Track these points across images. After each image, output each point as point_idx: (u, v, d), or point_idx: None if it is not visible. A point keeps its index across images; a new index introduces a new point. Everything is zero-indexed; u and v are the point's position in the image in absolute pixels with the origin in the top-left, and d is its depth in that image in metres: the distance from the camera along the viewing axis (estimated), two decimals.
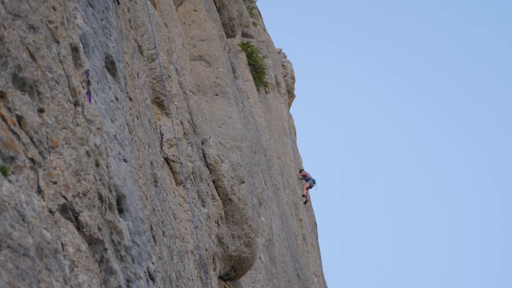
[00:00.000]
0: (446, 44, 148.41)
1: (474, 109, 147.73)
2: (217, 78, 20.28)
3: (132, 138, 7.61)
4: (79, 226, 4.84)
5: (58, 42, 5.38)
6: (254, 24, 30.51)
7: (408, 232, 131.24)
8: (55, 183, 4.69)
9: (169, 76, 13.13)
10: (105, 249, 5.06)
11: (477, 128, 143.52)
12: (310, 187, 31.82)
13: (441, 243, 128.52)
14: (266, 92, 29.40)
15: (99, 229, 5.04)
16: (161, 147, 12.15)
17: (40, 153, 4.68)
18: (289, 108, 36.76)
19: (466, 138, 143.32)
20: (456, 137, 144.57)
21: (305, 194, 31.46)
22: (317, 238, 33.07)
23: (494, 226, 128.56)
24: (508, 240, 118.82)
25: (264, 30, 32.90)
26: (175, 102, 13.12)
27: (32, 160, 4.55)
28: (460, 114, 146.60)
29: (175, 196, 11.68)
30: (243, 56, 26.85)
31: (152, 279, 6.44)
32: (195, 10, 20.01)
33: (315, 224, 33.79)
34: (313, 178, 31.84)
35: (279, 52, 37.51)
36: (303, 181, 31.99)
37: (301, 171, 32.64)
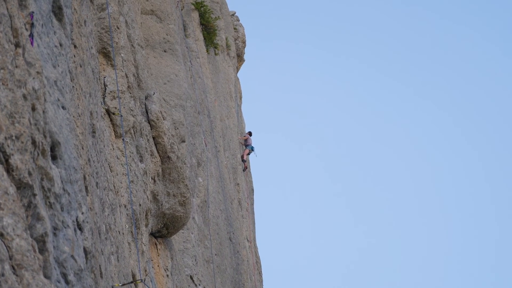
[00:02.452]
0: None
1: (464, 106, 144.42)
2: (167, 35, 20.09)
3: (73, 86, 7.50)
4: (9, 169, 4.78)
5: None
6: None
7: (349, 199, 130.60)
8: None
9: (118, 28, 12.95)
10: (34, 195, 5.00)
11: (466, 126, 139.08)
12: (249, 153, 31.91)
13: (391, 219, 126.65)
14: (216, 54, 29.28)
15: (30, 173, 4.98)
16: (103, 99, 12.02)
17: None
18: (237, 72, 36.69)
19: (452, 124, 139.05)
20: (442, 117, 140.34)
21: (245, 159, 31.54)
22: (252, 204, 33.28)
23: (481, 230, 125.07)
24: (503, 242, 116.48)
25: None
26: (122, 55, 12.97)
27: None
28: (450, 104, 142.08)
29: (113, 149, 11.60)
30: (195, 15, 26.64)
31: (80, 229, 6.40)
32: None
33: (252, 189, 33.97)
34: (252, 145, 31.88)
35: (233, 15, 37.30)
36: (244, 146, 32.06)
37: (249, 133, 32.58)
